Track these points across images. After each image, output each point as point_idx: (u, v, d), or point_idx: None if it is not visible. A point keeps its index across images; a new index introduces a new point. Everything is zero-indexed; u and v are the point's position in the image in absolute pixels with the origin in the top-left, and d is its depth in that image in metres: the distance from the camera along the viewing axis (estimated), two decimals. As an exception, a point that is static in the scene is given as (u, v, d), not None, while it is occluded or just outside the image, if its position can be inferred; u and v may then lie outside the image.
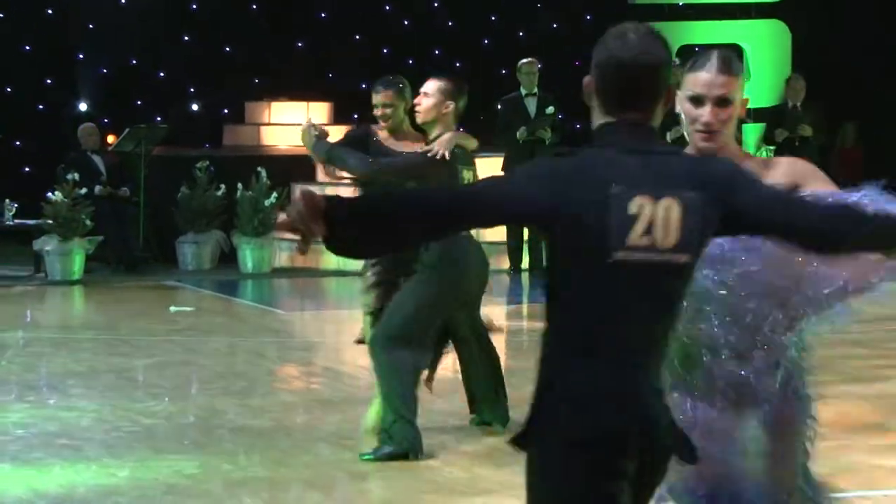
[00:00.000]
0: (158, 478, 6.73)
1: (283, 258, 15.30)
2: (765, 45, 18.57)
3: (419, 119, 7.24)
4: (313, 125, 7.45)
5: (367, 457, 6.92)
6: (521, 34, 19.60)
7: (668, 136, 15.42)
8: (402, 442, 6.89)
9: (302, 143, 7.62)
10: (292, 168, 15.40)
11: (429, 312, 7.07)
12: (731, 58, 3.86)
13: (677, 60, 16.85)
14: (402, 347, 6.93)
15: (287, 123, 16.79)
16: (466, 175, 7.20)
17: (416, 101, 7.22)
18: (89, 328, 12.08)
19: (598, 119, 3.27)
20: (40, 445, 7.54)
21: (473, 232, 7.58)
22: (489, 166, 15.28)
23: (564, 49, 18.84)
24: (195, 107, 18.29)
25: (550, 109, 14.80)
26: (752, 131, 16.99)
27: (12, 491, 6.67)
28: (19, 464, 7.15)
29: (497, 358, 7.72)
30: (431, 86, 7.21)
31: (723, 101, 3.80)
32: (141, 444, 7.56)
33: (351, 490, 6.69)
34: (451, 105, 7.17)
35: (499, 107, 15.25)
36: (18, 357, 10.38)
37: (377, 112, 7.33)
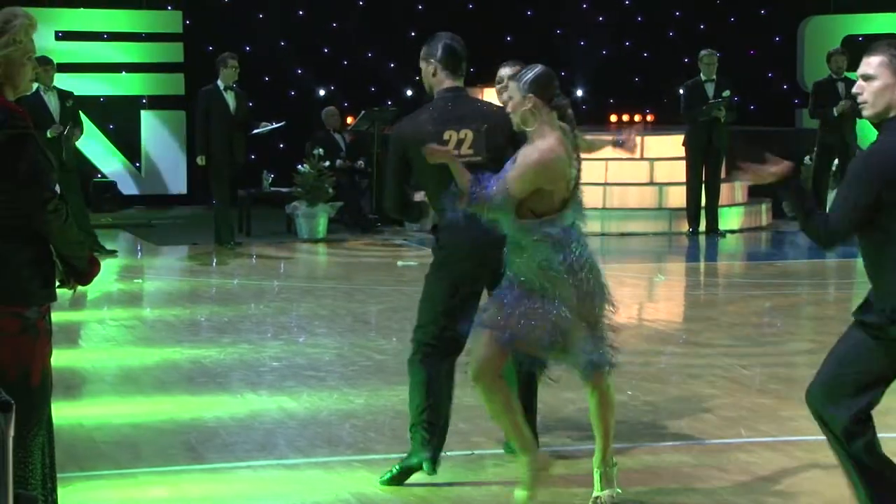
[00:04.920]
0: (388, 404, 6.83)
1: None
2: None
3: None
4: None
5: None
6: (701, 27, 19.24)
7: (835, 111, 15.02)
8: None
9: None
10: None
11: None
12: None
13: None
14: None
15: (498, 106, 16.88)
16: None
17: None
18: (331, 278, 12.31)
19: None
20: (291, 376, 7.75)
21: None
22: (671, 143, 15.10)
23: (740, 39, 18.45)
24: (409, 92, 18.39)
25: (727, 93, 14.54)
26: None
27: (268, 412, 6.89)
28: (274, 391, 7.37)
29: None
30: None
31: (865, 77, 4.34)
32: (373, 376, 7.68)
33: (562, 417, 6.72)
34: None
35: (680, 91, 15.02)
36: (273, 302, 10.64)
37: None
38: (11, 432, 3.36)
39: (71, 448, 5.99)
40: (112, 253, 13.14)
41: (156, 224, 16.11)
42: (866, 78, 4.32)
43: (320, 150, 14.71)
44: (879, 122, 4.32)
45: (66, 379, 7.30)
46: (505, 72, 6.09)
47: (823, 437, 4.48)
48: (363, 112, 15.95)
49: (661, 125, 16.78)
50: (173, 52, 17.88)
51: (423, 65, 5.72)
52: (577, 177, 5.12)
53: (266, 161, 16.27)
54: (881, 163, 4.19)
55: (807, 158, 16.04)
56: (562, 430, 6.43)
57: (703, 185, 14.63)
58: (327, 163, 14.67)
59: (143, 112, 17.90)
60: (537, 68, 5.12)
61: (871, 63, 4.31)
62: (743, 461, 5.90)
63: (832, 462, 5.81)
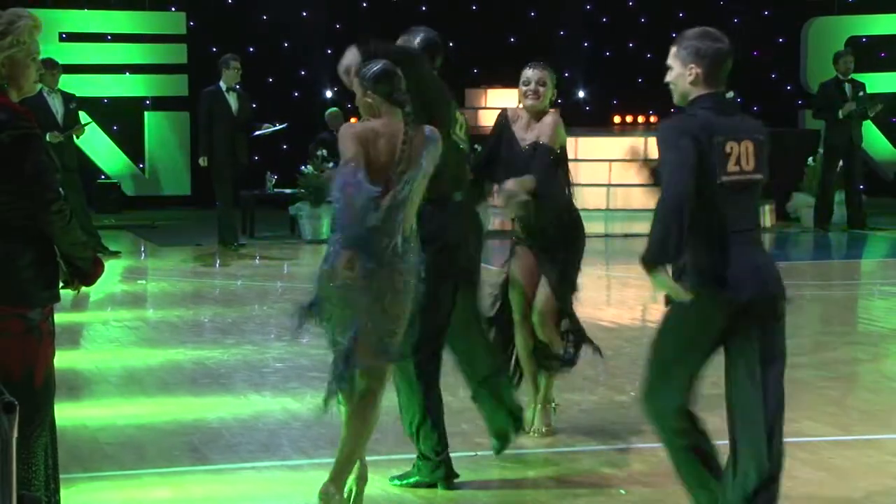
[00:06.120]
0: (391, 405, 6.81)
1: (495, 223, 15.36)
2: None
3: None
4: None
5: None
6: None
7: (841, 113, 15.03)
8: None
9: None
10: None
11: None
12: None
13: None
14: None
15: (501, 108, 16.90)
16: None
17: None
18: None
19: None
20: (295, 377, 7.75)
21: None
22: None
23: (743, 40, 18.44)
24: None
25: (730, 94, 14.49)
26: None
27: (272, 414, 6.90)
28: (278, 392, 7.38)
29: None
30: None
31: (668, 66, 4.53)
32: (377, 377, 7.67)
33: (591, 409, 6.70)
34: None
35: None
36: (277, 303, 10.63)
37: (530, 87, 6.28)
38: (15, 433, 3.37)
39: (74, 449, 6.00)
40: (115, 254, 13.16)
41: (159, 225, 16.12)
42: (668, 67, 4.50)
43: (324, 151, 14.72)
44: (687, 105, 4.45)
45: (69, 380, 7.31)
46: (530, 73, 6.23)
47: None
48: (366, 113, 15.96)
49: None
50: (177, 54, 17.91)
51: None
52: (403, 177, 4.97)
53: (270, 162, 16.29)
54: (692, 126, 4.28)
55: (810, 159, 16.04)
56: (564, 431, 6.43)
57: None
58: (331, 164, 14.67)
59: (146, 113, 17.94)
60: (378, 65, 5.12)
61: (670, 53, 4.50)
62: (746, 462, 5.88)
63: (834, 462, 5.82)
